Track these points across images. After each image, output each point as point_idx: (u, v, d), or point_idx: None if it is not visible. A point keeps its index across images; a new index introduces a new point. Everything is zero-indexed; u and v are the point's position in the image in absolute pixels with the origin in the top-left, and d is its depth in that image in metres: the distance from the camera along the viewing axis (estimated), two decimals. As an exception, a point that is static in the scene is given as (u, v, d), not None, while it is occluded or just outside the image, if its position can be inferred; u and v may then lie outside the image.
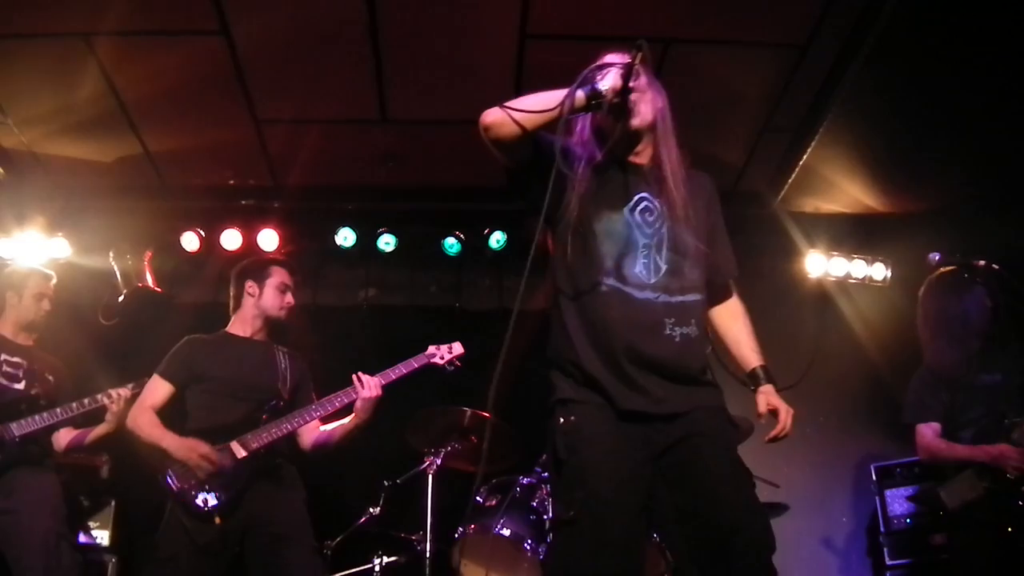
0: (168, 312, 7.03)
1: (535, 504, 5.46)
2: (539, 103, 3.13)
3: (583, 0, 5.59)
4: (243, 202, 7.39)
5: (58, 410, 5.22)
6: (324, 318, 7.24)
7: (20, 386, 5.36)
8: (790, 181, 6.96)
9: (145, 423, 4.81)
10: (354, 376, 4.96)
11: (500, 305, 7.60)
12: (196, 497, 4.57)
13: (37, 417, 5.18)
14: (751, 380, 3.59)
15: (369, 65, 6.05)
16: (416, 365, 5.07)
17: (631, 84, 3.12)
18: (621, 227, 3.32)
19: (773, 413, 3.46)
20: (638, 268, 3.31)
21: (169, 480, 4.62)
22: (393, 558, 5.71)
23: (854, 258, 7.49)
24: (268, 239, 7.22)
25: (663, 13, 5.64)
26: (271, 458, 4.80)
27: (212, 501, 4.57)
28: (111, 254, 7.19)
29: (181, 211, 7.38)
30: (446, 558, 5.55)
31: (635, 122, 3.29)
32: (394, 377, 5.02)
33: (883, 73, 5.84)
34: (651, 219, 3.36)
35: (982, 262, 4.98)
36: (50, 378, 5.49)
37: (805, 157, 6.61)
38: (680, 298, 3.35)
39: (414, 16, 5.70)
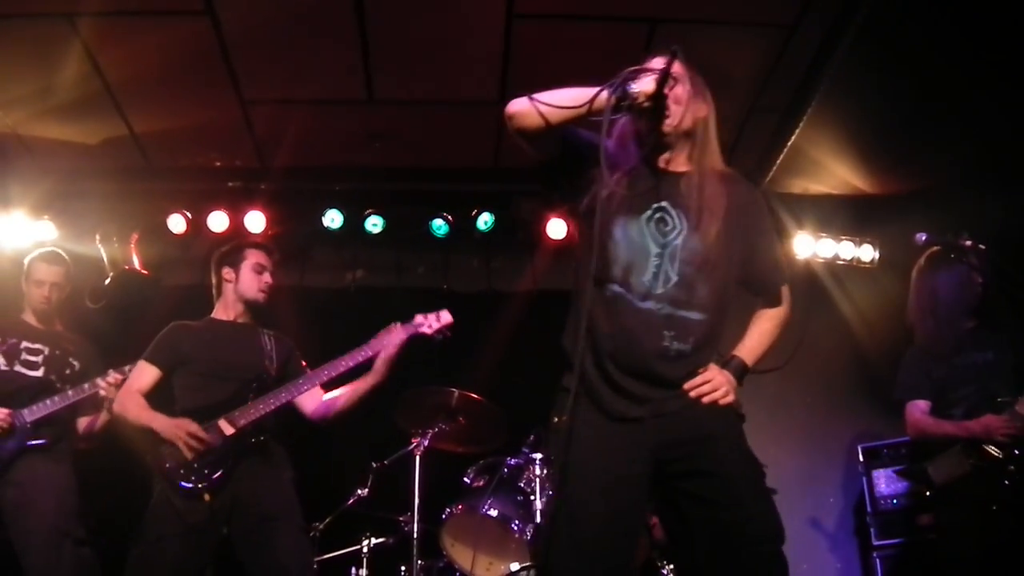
0: (155, 295, 7.01)
1: (522, 485, 5.47)
2: (567, 99, 3.07)
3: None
4: (230, 184, 7.36)
5: (69, 393, 5.25)
6: (311, 300, 7.21)
7: (38, 373, 5.41)
8: (778, 162, 6.94)
9: (132, 406, 4.80)
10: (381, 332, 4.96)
11: (488, 287, 7.60)
12: (185, 476, 4.56)
13: (48, 401, 5.21)
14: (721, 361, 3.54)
15: (355, 45, 6.00)
16: (404, 336, 4.96)
17: (665, 90, 3.05)
18: (636, 234, 3.28)
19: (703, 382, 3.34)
20: (646, 277, 3.26)
21: (158, 459, 4.61)
22: (381, 539, 5.72)
23: (842, 239, 7.49)
24: (255, 221, 7.19)
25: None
26: (259, 436, 4.77)
27: (201, 479, 4.56)
28: (97, 237, 7.16)
29: (167, 193, 7.35)
30: (434, 538, 5.57)
31: (666, 129, 3.22)
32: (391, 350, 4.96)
33: (871, 53, 5.80)
34: (666, 229, 3.30)
35: (969, 241, 5.00)
36: (75, 363, 5.51)
37: (793, 138, 6.58)
38: (684, 313, 3.29)
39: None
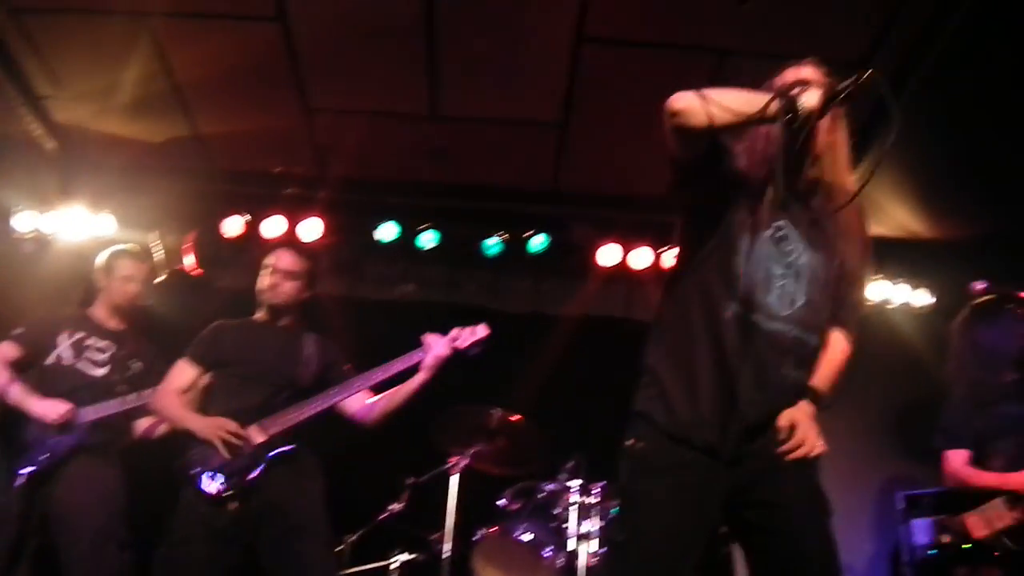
0: (206, 296, 7.05)
1: (557, 512, 5.42)
2: (738, 102, 2.92)
3: (640, 5, 5.55)
4: (287, 190, 7.37)
5: (130, 397, 5.26)
6: (361, 311, 7.21)
7: (102, 372, 5.41)
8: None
9: (170, 404, 4.80)
10: (423, 337, 4.89)
11: (536, 309, 7.56)
12: (211, 483, 4.54)
13: (110, 403, 5.22)
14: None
15: (421, 59, 6.04)
16: (446, 351, 4.86)
17: (827, 108, 2.91)
18: (763, 250, 3.16)
19: (792, 428, 3.29)
20: (771, 297, 3.14)
21: (188, 463, 4.61)
22: (411, 556, 5.69)
23: (898, 282, 7.40)
24: (310, 228, 7.21)
25: (720, 23, 5.59)
26: (291, 444, 4.74)
27: (228, 486, 4.53)
28: (156, 234, 7.21)
29: (226, 195, 7.40)
30: (464, 559, 5.52)
31: (813, 147, 3.12)
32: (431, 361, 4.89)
33: (937, 93, 5.74)
34: (788, 248, 3.18)
35: (1022, 292, 4.93)
36: (137, 365, 5.51)
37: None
38: (807, 337, 3.18)
39: (470, 12, 5.69)
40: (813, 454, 3.05)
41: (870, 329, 7.38)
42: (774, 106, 2.84)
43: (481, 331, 4.97)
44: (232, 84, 6.39)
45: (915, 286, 7.38)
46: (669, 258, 6.97)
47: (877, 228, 7.23)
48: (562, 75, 6.10)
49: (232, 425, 4.60)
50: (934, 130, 6.03)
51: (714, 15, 5.54)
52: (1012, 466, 4.86)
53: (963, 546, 5.09)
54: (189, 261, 7.26)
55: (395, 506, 5.71)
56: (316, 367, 5.03)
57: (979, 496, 4.93)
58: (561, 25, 5.69)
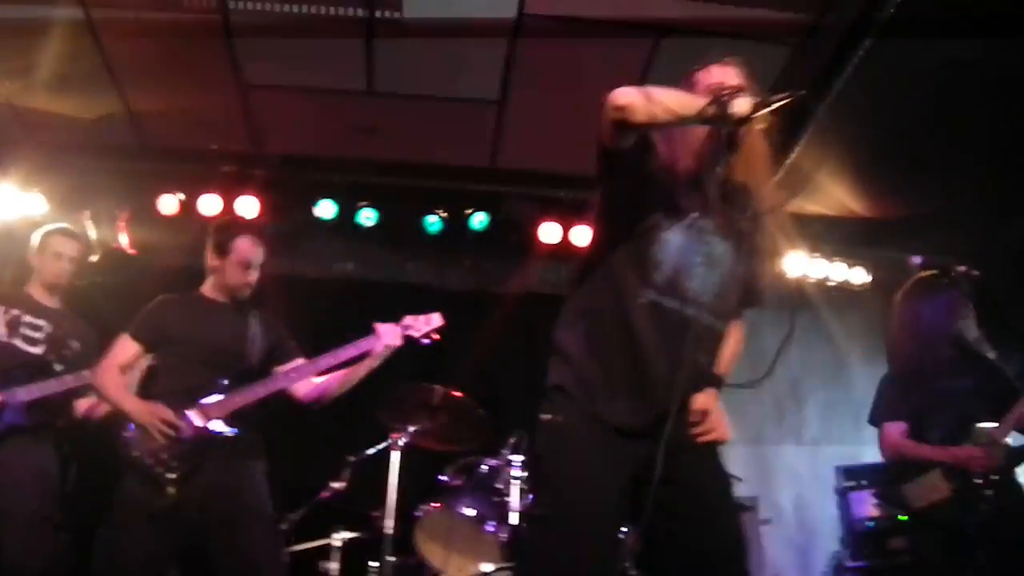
0: (142, 275, 6.93)
1: (499, 486, 5.42)
2: (677, 103, 3.02)
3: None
4: (224, 168, 7.28)
5: (67, 378, 5.15)
6: (301, 289, 7.11)
7: (38, 350, 5.28)
8: (776, 179, 6.91)
9: (109, 382, 4.70)
10: (376, 325, 4.87)
11: (479, 287, 7.56)
12: (152, 466, 4.47)
13: (46, 383, 5.11)
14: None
15: (359, 36, 5.97)
16: (399, 342, 4.87)
17: (754, 117, 2.97)
18: (682, 240, 3.24)
19: (705, 412, 3.32)
20: (691, 283, 3.22)
21: (126, 446, 4.53)
22: (354, 534, 5.66)
23: (835, 260, 7.48)
24: (248, 206, 7.14)
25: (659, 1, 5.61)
26: (234, 426, 4.67)
27: (169, 470, 4.47)
28: (87, 214, 7.08)
29: (161, 174, 7.29)
30: (407, 536, 5.49)
31: (735, 149, 3.11)
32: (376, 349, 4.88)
33: (876, 76, 5.81)
34: (705, 239, 3.26)
35: (962, 267, 5.00)
36: (75, 344, 5.40)
37: (793, 156, 6.56)
38: (716, 324, 3.28)
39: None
40: (723, 439, 3.26)
41: (810, 304, 7.50)
42: (709, 109, 2.93)
43: (435, 320, 4.98)
44: (166, 60, 6.28)
45: (851, 265, 7.47)
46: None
47: (815, 206, 7.33)
48: (501, 52, 6.07)
49: (167, 413, 4.52)
50: (873, 110, 6.12)
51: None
52: (949, 440, 4.93)
53: (900, 517, 5.16)
54: (123, 240, 7.15)
55: (337, 484, 5.66)
56: (262, 346, 4.96)
57: (916, 468, 5.00)
58: (501, 1, 5.65)
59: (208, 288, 5.01)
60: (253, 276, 4.98)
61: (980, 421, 4.90)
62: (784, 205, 3.42)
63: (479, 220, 7.32)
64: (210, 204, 7.16)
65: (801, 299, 7.46)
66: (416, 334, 4.90)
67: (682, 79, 3.46)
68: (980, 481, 4.78)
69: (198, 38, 6.03)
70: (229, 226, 5.19)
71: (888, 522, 6.27)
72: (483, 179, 7.40)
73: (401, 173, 7.42)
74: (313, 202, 7.25)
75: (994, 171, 6.57)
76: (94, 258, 6.59)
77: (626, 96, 3.03)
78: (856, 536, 6.57)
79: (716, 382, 3.33)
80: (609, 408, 3.19)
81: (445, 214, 7.32)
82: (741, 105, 2.93)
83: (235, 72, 6.35)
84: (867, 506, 6.57)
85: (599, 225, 3.52)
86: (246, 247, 4.97)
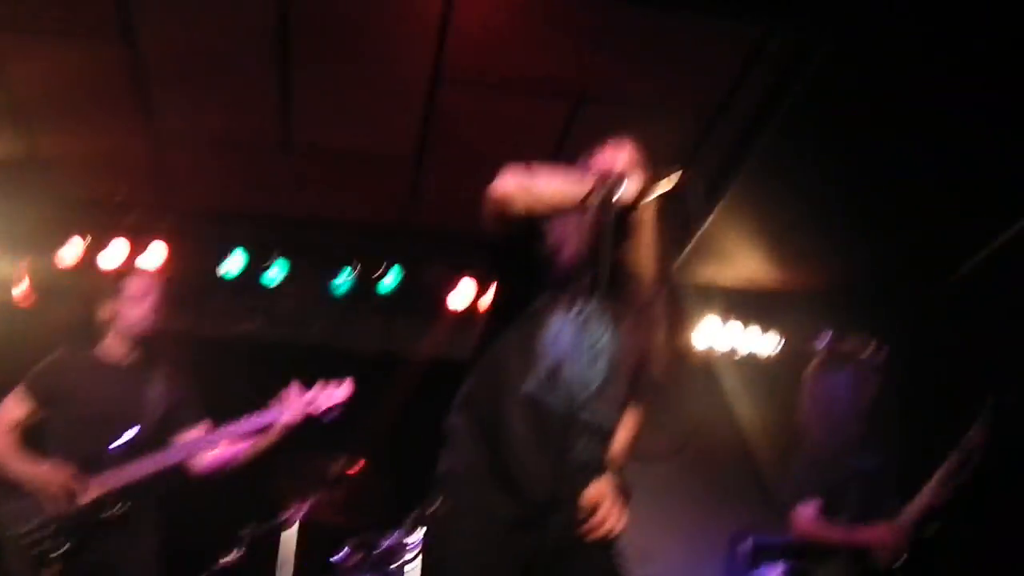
0: (40, 327, 6.67)
1: (394, 567, 5.24)
2: (558, 191, 2.98)
3: (499, 47, 5.46)
4: (129, 218, 7.05)
5: None
6: (204, 347, 6.87)
7: None
8: (689, 248, 6.92)
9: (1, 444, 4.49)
10: (281, 395, 4.74)
11: (386, 348, 7.41)
12: (34, 543, 4.24)
13: None
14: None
15: (275, 89, 5.87)
16: (302, 415, 4.76)
17: (642, 203, 2.95)
18: (567, 332, 3.14)
19: (594, 506, 3.19)
20: (573, 378, 3.11)
21: (4, 518, 4.30)
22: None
23: (747, 328, 7.51)
24: (153, 258, 6.91)
25: (577, 66, 5.57)
26: (126, 501, 4.47)
27: (54, 547, 4.24)
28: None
29: (64, 221, 7.03)
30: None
31: (624, 235, 3.08)
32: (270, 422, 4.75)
33: (789, 148, 5.88)
34: (594, 329, 3.18)
35: (871, 344, 5.02)
36: None
37: (706, 226, 6.56)
38: (602, 419, 3.19)
39: (326, 43, 5.54)
40: (614, 534, 3.10)
41: (718, 376, 7.50)
42: (593, 197, 2.87)
43: (340, 394, 4.84)
44: (75, 104, 6.10)
45: (764, 331, 7.49)
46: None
47: (727, 276, 7.35)
48: (418, 111, 6.01)
49: (66, 477, 4.32)
50: (785, 181, 6.15)
51: (570, 58, 5.51)
52: (858, 519, 4.91)
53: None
54: (21, 290, 6.88)
55: (231, 557, 5.43)
56: (161, 411, 4.77)
57: (824, 550, 4.97)
58: (419, 62, 5.58)
59: (105, 347, 4.83)
60: (146, 311, 4.79)
61: (889, 501, 4.90)
62: (678, 286, 3.35)
63: (389, 280, 7.18)
64: (113, 254, 6.91)
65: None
66: (318, 411, 4.76)
67: (588, 153, 3.33)
68: (886, 564, 4.76)
69: (109, 82, 5.86)
70: (115, 277, 5.02)
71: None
72: (396, 237, 7.30)
73: (313, 227, 7.28)
74: (221, 256, 7.04)
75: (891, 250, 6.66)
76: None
77: (504, 187, 3.00)
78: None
79: (611, 471, 3.22)
80: (494, 500, 3.09)
81: (355, 272, 7.15)
82: (627, 191, 2.88)
83: (146, 118, 6.17)
84: (776, 580, 6.53)
85: (490, 310, 3.47)
86: (138, 283, 4.82)
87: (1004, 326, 6.33)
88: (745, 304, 7.53)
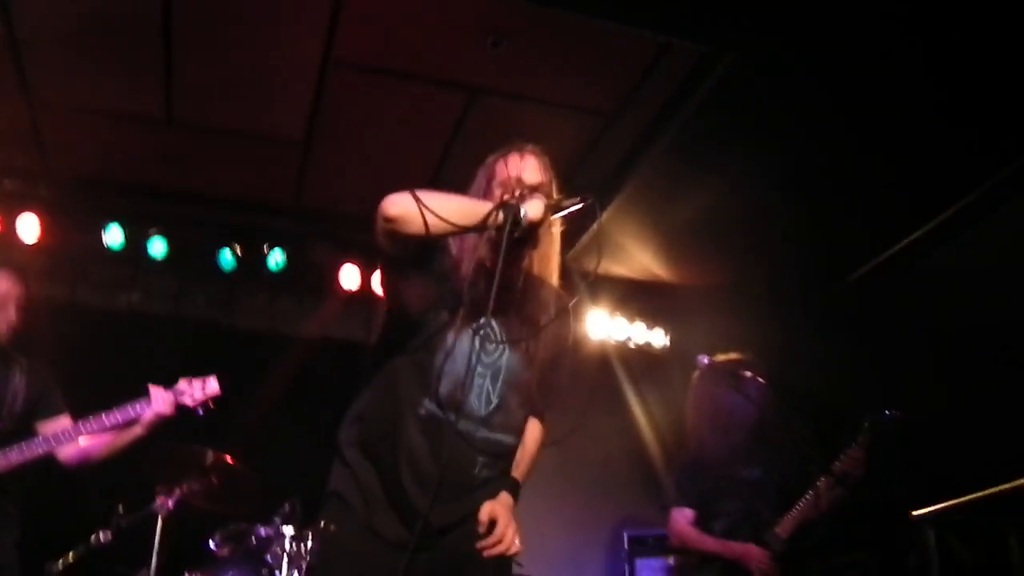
0: None
1: (269, 559, 5.15)
2: (457, 212, 2.87)
3: (393, 34, 5.33)
4: (6, 181, 6.79)
5: None
6: (82, 319, 6.70)
7: None
8: (582, 240, 6.90)
9: None
10: (150, 387, 4.63)
11: (272, 326, 7.27)
12: None
13: None
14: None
15: (160, 63, 5.64)
16: (171, 410, 4.67)
17: (543, 226, 2.90)
18: (463, 350, 3.07)
19: (491, 523, 3.17)
20: (470, 397, 3.09)
21: None
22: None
23: (636, 320, 7.52)
24: (29, 226, 6.65)
25: (475, 60, 5.47)
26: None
27: None
28: None
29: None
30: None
31: (524, 253, 3.05)
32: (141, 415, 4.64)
33: (685, 149, 5.90)
34: (491, 347, 3.14)
35: (752, 358, 5.04)
36: None
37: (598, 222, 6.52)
38: (499, 437, 3.16)
39: (213, 19, 5.33)
40: (510, 552, 3.08)
41: (605, 367, 7.51)
42: (495, 217, 2.82)
43: (211, 388, 4.75)
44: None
45: (651, 326, 7.51)
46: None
47: (619, 268, 7.35)
48: (308, 93, 5.84)
49: None
50: (680, 183, 6.16)
51: (468, 52, 5.40)
52: (734, 528, 4.99)
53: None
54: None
55: (95, 543, 5.28)
56: (23, 401, 4.65)
57: (699, 558, 5.05)
58: (309, 44, 5.42)
59: None
60: (10, 315, 4.62)
61: (766, 512, 4.96)
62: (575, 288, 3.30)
63: (277, 260, 7.03)
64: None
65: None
66: (190, 403, 4.66)
67: (487, 157, 3.35)
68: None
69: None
70: None
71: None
72: (283, 216, 7.15)
73: (197, 203, 7.07)
74: (101, 227, 6.80)
75: (796, 249, 6.71)
76: None
77: (396, 206, 2.89)
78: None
79: (510, 488, 3.20)
80: (380, 520, 3.06)
81: (240, 250, 6.99)
82: (532, 210, 2.82)
83: (23, 88, 5.91)
84: (653, 574, 6.61)
85: (385, 325, 3.39)
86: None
87: (892, 334, 6.45)
88: (634, 298, 7.54)
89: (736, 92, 5.36)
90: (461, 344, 3.08)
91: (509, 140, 3.36)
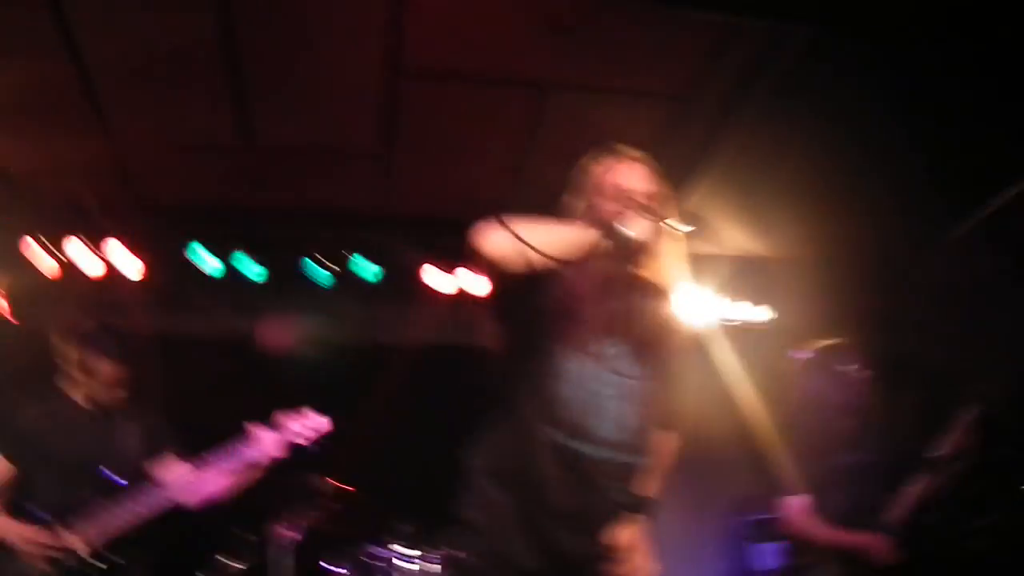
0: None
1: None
2: (561, 246, 2.89)
3: (457, 38, 5.25)
4: (95, 222, 6.84)
5: None
6: (182, 349, 6.74)
7: None
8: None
9: None
10: (251, 428, 4.55)
11: (371, 337, 7.25)
12: None
13: None
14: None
15: (226, 88, 5.66)
16: (280, 452, 4.58)
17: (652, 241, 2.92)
18: (588, 373, 3.06)
19: (629, 551, 3.18)
20: (603, 422, 3.06)
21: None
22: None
23: (738, 299, 7.38)
24: (129, 263, 6.77)
25: (543, 57, 5.36)
26: (114, 552, 4.32)
27: None
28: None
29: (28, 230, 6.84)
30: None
31: (638, 271, 3.07)
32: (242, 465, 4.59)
33: (771, 120, 5.69)
34: (613, 369, 3.10)
35: (852, 342, 4.97)
36: None
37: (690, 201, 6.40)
38: (633, 459, 3.15)
39: (274, 43, 5.33)
40: None
41: (717, 348, 7.34)
42: (603, 242, 2.85)
43: (321, 424, 4.65)
44: (26, 113, 5.86)
45: (755, 303, 7.36)
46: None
47: (713, 248, 7.21)
48: (376, 104, 5.80)
49: (46, 536, 4.16)
50: (767, 155, 5.99)
51: (535, 47, 5.29)
52: (845, 518, 4.81)
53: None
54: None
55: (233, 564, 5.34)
56: (136, 459, 4.62)
57: (813, 549, 4.92)
58: (374, 54, 5.35)
59: (70, 388, 4.62)
60: (106, 377, 4.60)
61: (876, 499, 4.78)
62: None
63: (369, 269, 7.03)
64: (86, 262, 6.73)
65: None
66: (302, 441, 4.58)
67: (581, 176, 3.28)
68: (878, 570, 4.65)
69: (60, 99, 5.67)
70: (74, 317, 4.81)
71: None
72: (370, 227, 7.14)
73: (286, 223, 7.10)
74: (194, 254, 6.88)
75: (900, 208, 6.47)
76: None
77: (494, 247, 2.89)
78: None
79: (646, 508, 3.20)
80: (516, 550, 3.05)
81: (334, 265, 7.00)
82: (638, 229, 2.84)
83: (100, 121, 5.96)
84: (771, 558, 6.49)
85: (504, 357, 3.31)
86: (108, 370, 4.60)
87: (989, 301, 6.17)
88: (733, 276, 7.38)
89: (811, 66, 5.18)
90: (584, 368, 3.06)
91: (602, 141, 3.34)
